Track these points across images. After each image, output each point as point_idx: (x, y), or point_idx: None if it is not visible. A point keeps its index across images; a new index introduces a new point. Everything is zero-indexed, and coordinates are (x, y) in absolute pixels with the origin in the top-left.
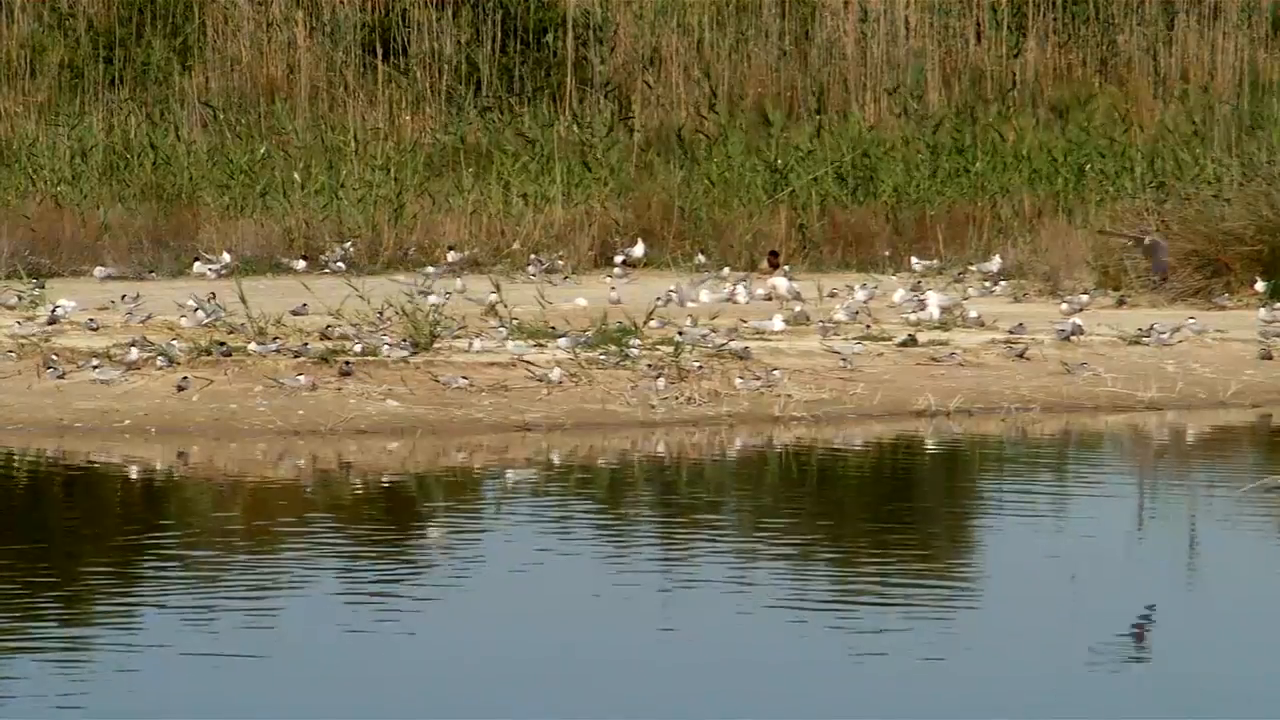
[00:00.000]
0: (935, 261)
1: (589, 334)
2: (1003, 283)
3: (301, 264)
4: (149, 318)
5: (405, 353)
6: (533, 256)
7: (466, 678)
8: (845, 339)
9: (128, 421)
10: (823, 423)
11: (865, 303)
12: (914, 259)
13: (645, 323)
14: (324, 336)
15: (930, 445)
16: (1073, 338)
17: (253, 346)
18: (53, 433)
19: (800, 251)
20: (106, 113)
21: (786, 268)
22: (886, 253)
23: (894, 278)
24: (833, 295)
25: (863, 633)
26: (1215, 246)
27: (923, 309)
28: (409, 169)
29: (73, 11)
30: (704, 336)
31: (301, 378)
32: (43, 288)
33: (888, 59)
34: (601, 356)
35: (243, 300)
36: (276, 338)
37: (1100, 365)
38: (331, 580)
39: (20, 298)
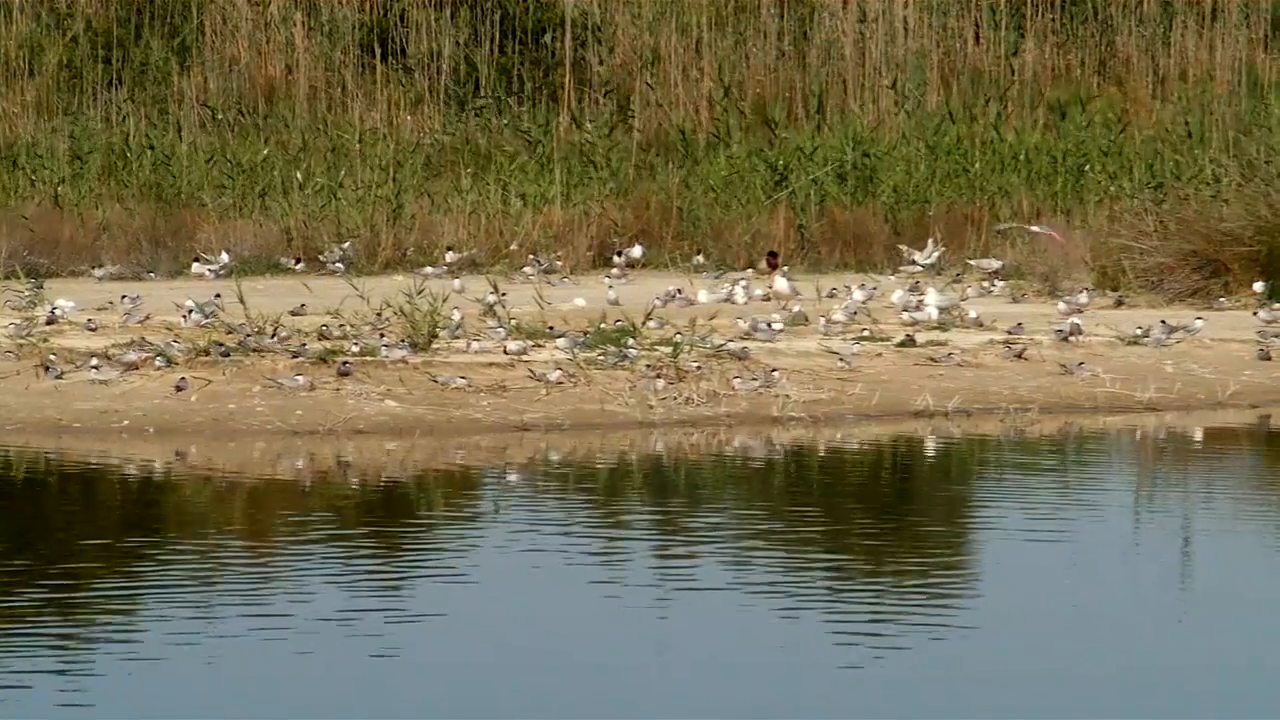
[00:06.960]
0: (933, 256)
1: (588, 334)
2: (1001, 283)
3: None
4: (147, 318)
5: (404, 353)
6: (530, 257)
7: (466, 678)
8: (844, 339)
9: (126, 422)
10: (821, 423)
11: (864, 303)
12: (916, 255)
13: (643, 323)
14: (322, 336)
15: (929, 446)
16: (1071, 338)
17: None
18: (51, 433)
19: (799, 252)
20: (105, 113)
21: (785, 268)
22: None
23: (892, 278)
24: (831, 295)
25: (863, 633)
26: (1213, 247)
27: (921, 310)
28: (407, 169)
29: (71, 11)
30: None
31: (300, 378)
32: (41, 288)
33: (886, 59)
34: (600, 357)
35: (242, 301)
36: (274, 333)
37: (1099, 365)
38: (330, 580)
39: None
